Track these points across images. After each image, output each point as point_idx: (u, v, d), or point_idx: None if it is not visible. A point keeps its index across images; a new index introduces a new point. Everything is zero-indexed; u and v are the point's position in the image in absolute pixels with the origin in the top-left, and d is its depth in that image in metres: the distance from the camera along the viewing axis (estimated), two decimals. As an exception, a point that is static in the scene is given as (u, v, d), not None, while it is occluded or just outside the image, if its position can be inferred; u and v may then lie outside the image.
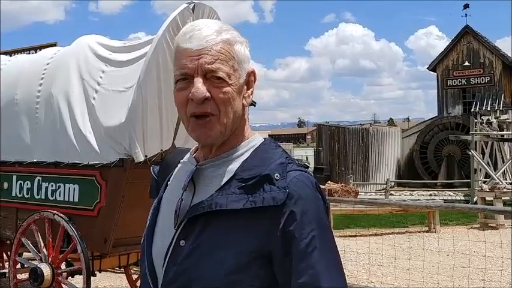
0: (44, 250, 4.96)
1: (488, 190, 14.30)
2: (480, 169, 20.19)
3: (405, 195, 21.22)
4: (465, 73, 29.52)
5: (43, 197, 5.18)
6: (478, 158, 19.70)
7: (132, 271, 6.26)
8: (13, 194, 5.45)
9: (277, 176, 1.27)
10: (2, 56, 6.64)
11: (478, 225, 12.92)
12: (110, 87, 4.93)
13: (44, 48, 7.56)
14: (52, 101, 5.17)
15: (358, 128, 30.56)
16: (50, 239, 4.93)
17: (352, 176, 24.71)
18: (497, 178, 18.45)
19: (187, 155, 1.46)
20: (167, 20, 4.52)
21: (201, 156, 1.40)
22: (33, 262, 5.11)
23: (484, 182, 17.38)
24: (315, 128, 33.70)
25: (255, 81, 1.40)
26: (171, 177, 1.46)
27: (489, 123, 21.83)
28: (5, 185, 5.53)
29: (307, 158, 33.20)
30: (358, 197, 18.41)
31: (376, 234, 11.58)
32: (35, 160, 5.29)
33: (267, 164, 1.30)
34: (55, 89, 5.19)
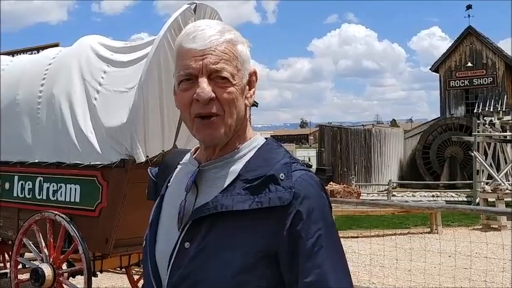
0: (45, 250, 4.95)
1: (490, 191, 14.29)
2: (483, 170, 20.17)
3: (407, 196, 21.21)
4: (468, 74, 29.48)
5: (44, 197, 5.18)
6: (481, 159, 19.68)
7: (133, 271, 6.25)
8: (15, 195, 5.45)
9: (282, 176, 1.27)
10: (4, 56, 6.65)
11: (480, 227, 12.89)
12: (112, 87, 4.92)
13: (46, 48, 7.56)
14: (54, 101, 5.17)
15: (361, 128, 30.55)
16: (51, 240, 4.93)
17: (354, 177, 24.73)
18: (500, 179, 18.44)
19: (187, 156, 1.46)
20: (168, 20, 4.52)
21: (202, 157, 1.39)
22: (34, 262, 5.11)
23: (487, 183, 17.34)
24: (318, 128, 33.70)
25: (256, 82, 1.40)
26: (171, 179, 1.45)
27: (492, 124, 21.83)
28: (7, 186, 5.53)
29: (309, 158, 33.24)
30: (360, 198, 18.41)
31: (377, 235, 11.57)
32: (36, 160, 5.29)
33: (271, 164, 1.30)
34: (57, 89, 5.19)
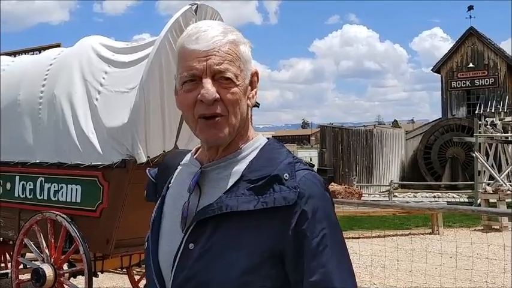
0: (46, 251, 4.96)
1: (492, 192, 14.28)
2: (484, 171, 20.15)
3: (409, 196, 21.21)
4: (469, 75, 29.49)
5: (45, 197, 5.18)
6: (482, 160, 19.66)
7: (134, 272, 6.25)
8: (16, 195, 5.45)
9: (286, 176, 1.27)
10: (5, 56, 6.66)
11: (482, 228, 12.87)
12: (113, 88, 4.92)
13: (48, 49, 7.57)
14: (55, 101, 5.17)
15: (362, 129, 30.53)
16: (52, 240, 4.93)
17: (355, 177, 24.72)
18: (501, 180, 18.41)
19: (188, 157, 1.45)
20: (170, 21, 4.51)
21: (204, 158, 1.39)
22: (35, 263, 5.11)
23: (488, 184, 17.33)
24: (319, 129, 33.70)
25: (258, 82, 1.41)
26: (172, 180, 1.45)
27: (493, 125, 21.81)
28: (8, 186, 5.54)
29: (310, 159, 33.21)
30: (362, 198, 18.40)
31: (379, 236, 11.57)
32: (37, 161, 5.29)
33: (274, 165, 1.30)
34: (58, 89, 5.20)
